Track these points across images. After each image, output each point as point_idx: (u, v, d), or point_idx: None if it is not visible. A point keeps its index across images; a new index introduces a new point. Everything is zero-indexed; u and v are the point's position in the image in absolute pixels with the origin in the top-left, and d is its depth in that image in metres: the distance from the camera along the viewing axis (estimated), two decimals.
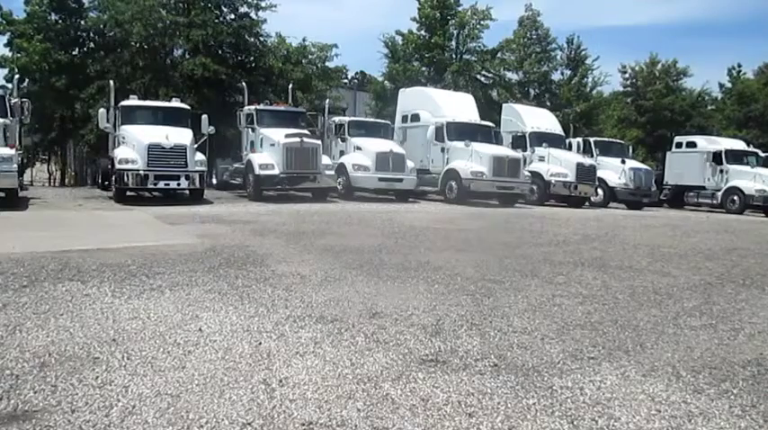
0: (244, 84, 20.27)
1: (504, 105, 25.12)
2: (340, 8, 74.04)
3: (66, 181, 28.66)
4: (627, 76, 41.41)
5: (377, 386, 3.25)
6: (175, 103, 17.94)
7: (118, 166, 14.99)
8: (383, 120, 22.41)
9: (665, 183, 25.36)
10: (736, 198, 22.50)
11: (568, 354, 3.86)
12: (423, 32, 34.49)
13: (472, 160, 18.32)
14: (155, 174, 14.93)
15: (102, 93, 21.63)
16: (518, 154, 19.29)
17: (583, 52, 39.42)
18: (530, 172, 19.70)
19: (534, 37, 38.65)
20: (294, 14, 75.60)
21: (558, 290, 5.84)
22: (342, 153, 19.23)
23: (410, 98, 22.24)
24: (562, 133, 23.01)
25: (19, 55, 25.52)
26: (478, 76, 35.61)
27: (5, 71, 26.40)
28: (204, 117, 16.77)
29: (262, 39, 27.52)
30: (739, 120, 38.07)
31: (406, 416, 2.89)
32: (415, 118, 21.04)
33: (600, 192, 21.85)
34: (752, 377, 3.55)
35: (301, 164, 16.73)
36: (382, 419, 2.85)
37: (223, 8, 26.77)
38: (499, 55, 36.22)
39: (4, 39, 26.50)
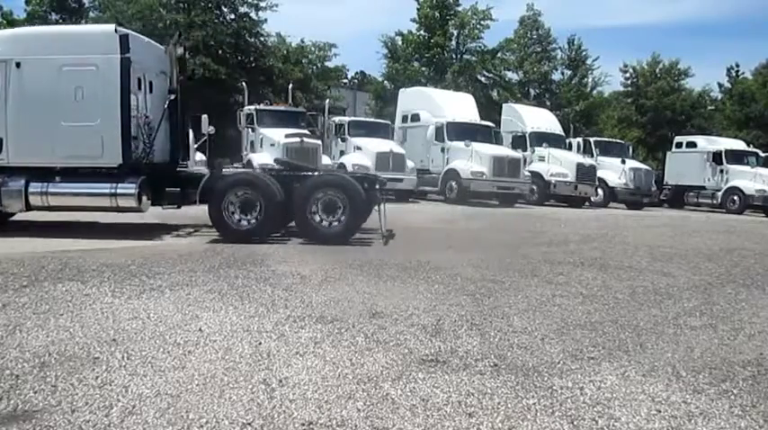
0: (244, 84, 20.28)
1: (504, 105, 25.13)
2: (340, 8, 74.12)
3: None
4: (628, 75, 41.44)
5: (377, 386, 3.25)
6: None
7: None
8: (383, 120, 22.42)
9: (665, 183, 25.38)
10: (736, 198, 22.50)
11: (568, 354, 3.86)
12: (423, 32, 34.52)
13: (472, 160, 18.32)
14: None
15: None
16: (518, 154, 19.29)
17: (584, 52, 39.50)
18: (530, 172, 19.69)
19: (535, 37, 38.72)
20: (294, 14, 75.70)
21: (559, 290, 5.83)
22: (342, 153, 19.21)
23: (410, 98, 22.23)
24: (562, 133, 22.99)
25: None
26: (479, 76, 35.64)
27: None
28: (204, 117, 16.72)
29: (262, 39, 27.58)
30: (739, 120, 38.08)
31: (406, 416, 2.89)
32: (416, 118, 21.03)
33: (600, 192, 21.82)
34: (752, 377, 3.55)
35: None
36: (382, 419, 2.85)
37: (223, 8, 26.82)
38: (499, 55, 36.27)
39: None
